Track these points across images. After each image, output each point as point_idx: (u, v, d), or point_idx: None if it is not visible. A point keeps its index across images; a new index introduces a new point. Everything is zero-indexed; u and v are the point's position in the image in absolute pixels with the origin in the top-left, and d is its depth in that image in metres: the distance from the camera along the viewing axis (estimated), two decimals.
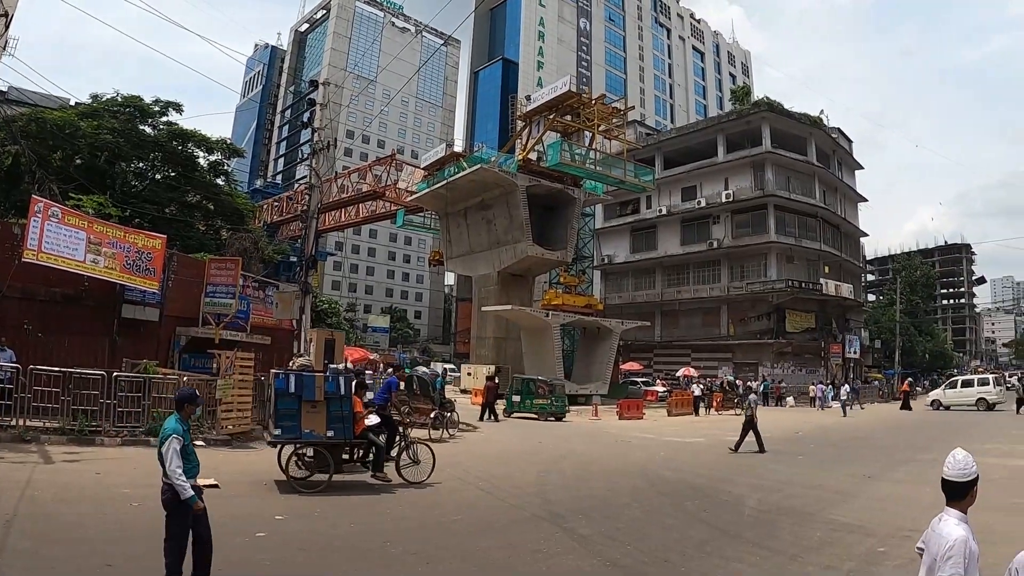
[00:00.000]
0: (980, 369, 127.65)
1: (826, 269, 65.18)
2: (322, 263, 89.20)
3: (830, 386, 52.16)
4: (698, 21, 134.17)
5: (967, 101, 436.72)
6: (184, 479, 6.96)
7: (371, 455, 14.56)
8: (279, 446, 14.09)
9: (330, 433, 13.75)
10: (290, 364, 15.96)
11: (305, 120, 28.75)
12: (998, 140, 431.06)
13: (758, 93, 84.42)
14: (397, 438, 15.54)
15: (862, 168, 78.75)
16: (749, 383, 50.82)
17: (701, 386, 45.64)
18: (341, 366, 19.06)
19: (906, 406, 47.77)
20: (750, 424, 22.67)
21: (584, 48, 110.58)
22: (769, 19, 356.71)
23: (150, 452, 16.13)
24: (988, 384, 48.64)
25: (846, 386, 46.69)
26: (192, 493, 6.96)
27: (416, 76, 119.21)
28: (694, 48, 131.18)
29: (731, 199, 63.52)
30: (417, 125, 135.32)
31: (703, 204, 65.59)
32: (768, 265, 62.36)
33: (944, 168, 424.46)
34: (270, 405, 14.15)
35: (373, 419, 14.99)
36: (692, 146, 69.38)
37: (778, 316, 61.53)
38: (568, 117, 50.54)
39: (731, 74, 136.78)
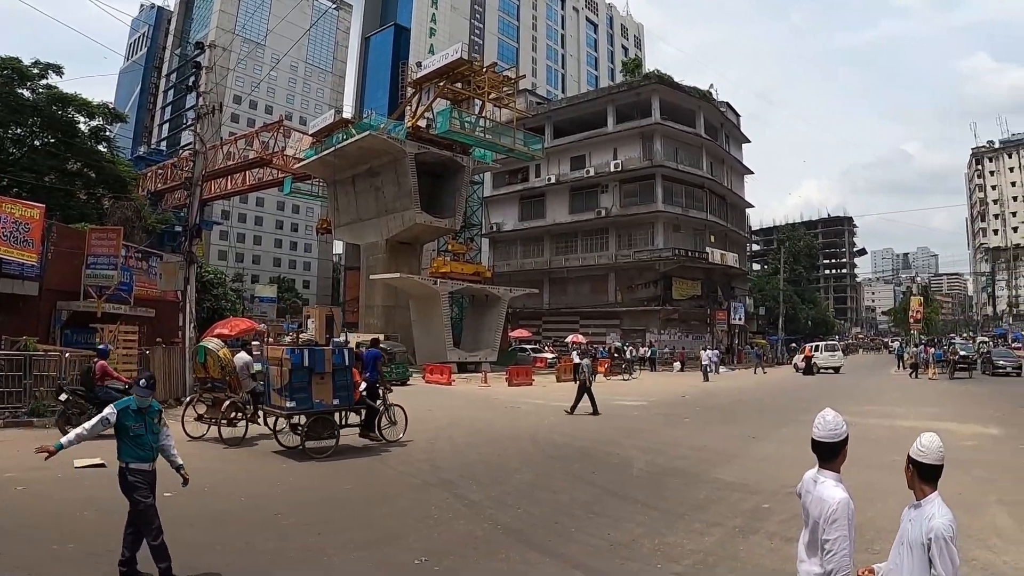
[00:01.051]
0: (859, 335, 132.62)
1: (712, 238, 66.68)
2: (207, 232, 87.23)
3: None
4: None
5: (854, 82, 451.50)
6: (73, 435, 7.19)
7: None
8: (275, 418, 15.79)
9: (336, 401, 15.34)
10: (295, 339, 16.50)
11: (190, 84, 27.94)
12: (882, 120, 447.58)
13: (650, 66, 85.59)
14: (379, 403, 17.11)
15: (749, 142, 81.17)
16: (586, 348, 50.76)
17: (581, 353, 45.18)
18: (342, 339, 19.13)
19: (809, 371, 49.77)
20: (583, 388, 23.69)
21: (477, 16, 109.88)
22: None
23: (34, 434, 15.89)
24: (819, 351, 54.30)
25: (708, 351, 47.47)
26: (54, 450, 7.10)
27: (306, 40, 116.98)
28: (588, 20, 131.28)
29: (620, 169, 64.45)
30: (306, 91, 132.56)
31: (592, 173, 66.39)
32: (655, 234, 63.59)
33: (830, 145, 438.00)
34: (277, 380, 15.16)
35: (362, 386, 16.47)
36: (582, 116, 69.96)
37: (665, 284, 62.77)
38: (459, 85, 50.29)
39: (623, 46, 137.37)
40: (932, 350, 50.65)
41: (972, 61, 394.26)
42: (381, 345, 37.96)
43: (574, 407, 23.43)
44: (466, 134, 50.35)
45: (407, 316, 51.93)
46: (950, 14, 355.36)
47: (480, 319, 53.91)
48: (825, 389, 36.13)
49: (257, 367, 17.61)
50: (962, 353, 45.47)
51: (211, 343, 17.76)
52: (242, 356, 17.67)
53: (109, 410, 7.24)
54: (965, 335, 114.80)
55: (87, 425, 7.21)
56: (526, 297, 58.58)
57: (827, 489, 4.19)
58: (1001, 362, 45.02)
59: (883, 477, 11.60)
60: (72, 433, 7.22)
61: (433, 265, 53.63)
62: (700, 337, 63.38)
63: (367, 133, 50.81)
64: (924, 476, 4.03)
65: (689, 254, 63.00)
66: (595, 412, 23.04)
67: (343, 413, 16.00)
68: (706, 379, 41.98)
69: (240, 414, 16.79)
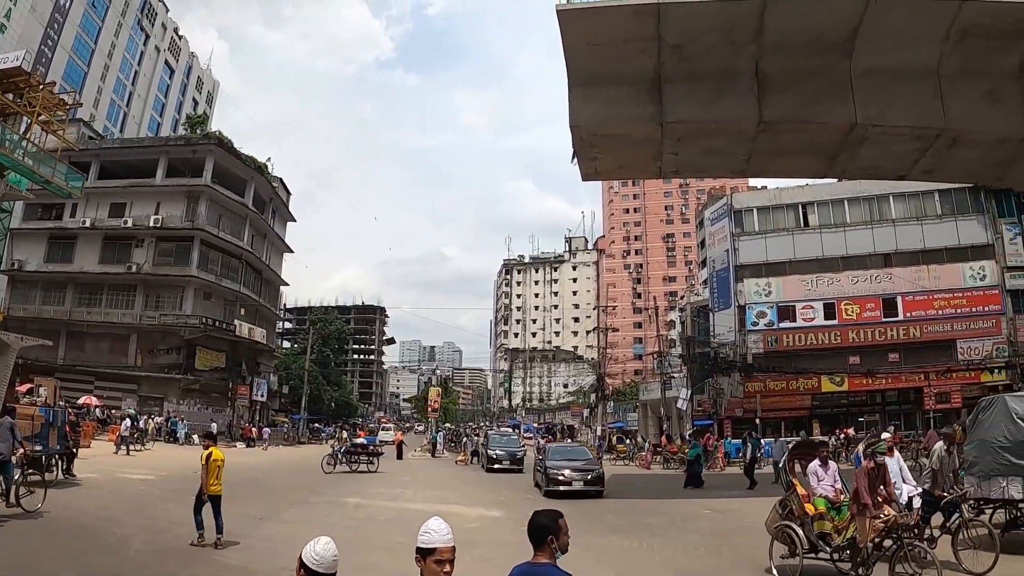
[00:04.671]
0: (383, 419, 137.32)
1: (243, 311, 66.07)
2: None
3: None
4: (180, 37, 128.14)
5: (410, 180, 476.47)
6: None
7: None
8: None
9: (58, 447, 21.96)
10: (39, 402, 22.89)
11: None
12: (428, 221, 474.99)
13: (216, 126, 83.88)
14: None
15: (295, 221, 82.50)
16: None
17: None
18: (63, 404, 24.65)
19: (400, 456, 49.01)
20: None
21: (56, 26, 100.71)
22: (250, 61, 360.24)
23: None
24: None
25: (125, 421, 42.45)
26: None
27: None
28: (167, 63, 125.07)
29: (160, 225, 61.66)
30: None
31: (130, 224, 62.59)
32: (185, 299, 61.70)
33: (374, 236, 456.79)
34: (28, 430, 19.84)
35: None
36: (133, 161, 66.30)
37: (188, 352, 60.75)
38: (10, 96, 45.55)
39: (195, 99, 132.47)
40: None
41: (517, 183, 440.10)
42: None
43: None
44: (4, 154, 45.65)
45: None
46: (507, 139, 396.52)
47: None
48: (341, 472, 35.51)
49: None
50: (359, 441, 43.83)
51: None
52: None
53: None
54: (481, 424, 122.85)
55: None
56: (40, 348, 53.69)
57: None
58: (566, 473, 26.29)
59: (385, 557, 12.33)
60: None
61: None
62: (220, 411, 62.35)
63: None
64: None
65: (217, 324, 61.87)
66: None
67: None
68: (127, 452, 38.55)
69: None
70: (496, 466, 38.26)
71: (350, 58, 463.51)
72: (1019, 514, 13.78)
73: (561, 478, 25.95)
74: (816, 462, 13.28)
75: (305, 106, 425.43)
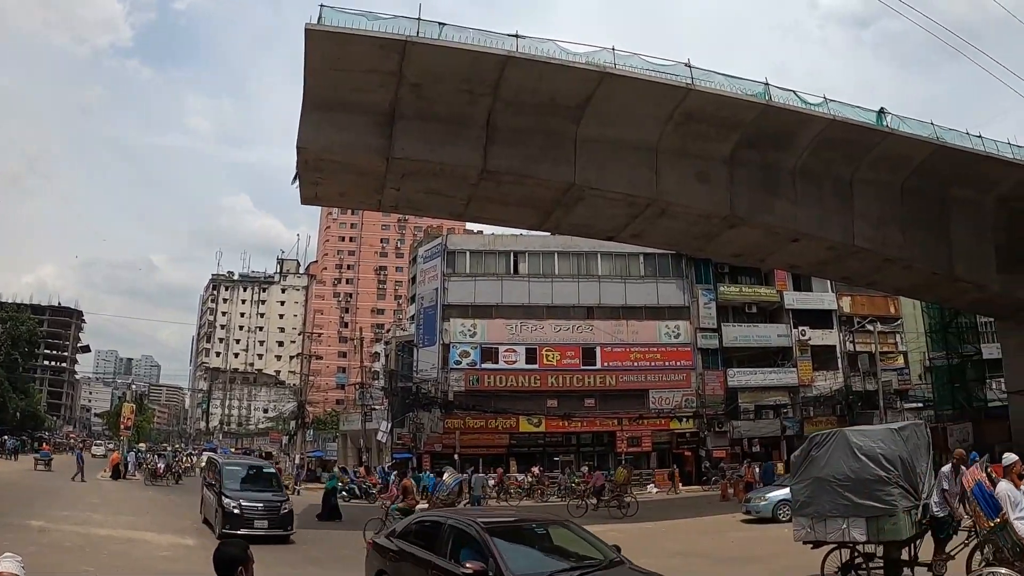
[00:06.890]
0: (71, 435, 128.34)
1: None
2: None
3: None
4: None
5: (123, 178, 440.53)
6: None
7: None
8: None
9: None
10: None
11: None
12: (137, 224, 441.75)
13: None
14: None
15: None
16: None
17: None
18: None
19: (117, 475, 47.04)
20: None
21: None
22: None
23: None
24: None
25: None
26: None
27: None
28: None
29: None
30: None
31: None
32: None
33: (81, 234, 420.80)
34: None
35: None
36: None
37: None
38: None
39: None
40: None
41: (236, 198, 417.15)
42: None
43: None
44: None
45: None
46: (231, 151, 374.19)
47: None
48: (26, 491, 33.23)
49: None
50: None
51: None
52: None
53: None
54: (177, 446, 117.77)
55: None
56: None
57: None
58: None
59: None
60: None
61: None
62: None
63: None
64: None
65: None
66: None
67: None
68: None
69: None
70: (244, 531, 18.98)
71: (85, 38, 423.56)
72: (859, 557, 12.74)
73: None
74: (1005, 483, 10.06)
75: (28, 81, 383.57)
